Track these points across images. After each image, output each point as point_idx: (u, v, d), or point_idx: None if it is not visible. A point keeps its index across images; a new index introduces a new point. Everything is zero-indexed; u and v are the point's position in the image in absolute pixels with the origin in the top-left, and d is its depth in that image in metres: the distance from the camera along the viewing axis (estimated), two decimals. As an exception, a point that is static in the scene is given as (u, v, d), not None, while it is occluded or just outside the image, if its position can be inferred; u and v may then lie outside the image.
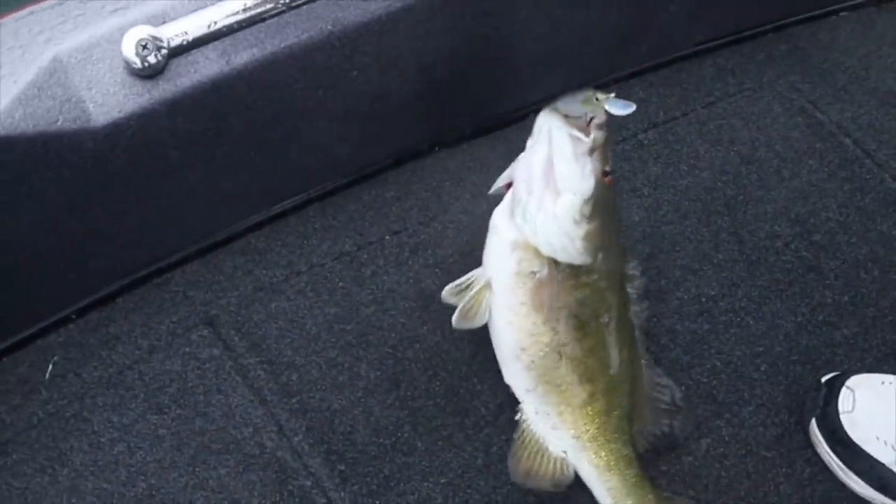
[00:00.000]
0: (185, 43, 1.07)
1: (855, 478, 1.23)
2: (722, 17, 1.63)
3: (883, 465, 1.21)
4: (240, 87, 1.16)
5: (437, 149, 1.45)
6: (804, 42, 1.71)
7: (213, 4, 1.07)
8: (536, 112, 1.07)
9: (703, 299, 1.39)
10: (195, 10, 1.08)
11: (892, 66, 1.69)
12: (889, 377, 1.26)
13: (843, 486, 1.25)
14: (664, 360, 1.33)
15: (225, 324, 1.33)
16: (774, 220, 1.47)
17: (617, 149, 1.50)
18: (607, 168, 1.06)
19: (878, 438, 1.21)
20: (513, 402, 1.28)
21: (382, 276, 1.37)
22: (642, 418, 1.18)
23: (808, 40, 1.72)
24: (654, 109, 1.55)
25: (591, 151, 1.03)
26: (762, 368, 1.34)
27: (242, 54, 1.14)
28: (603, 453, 1.16)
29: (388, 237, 1.40)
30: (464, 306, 1.14)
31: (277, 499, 1.22)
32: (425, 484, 1.24)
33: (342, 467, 1.24)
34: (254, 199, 1.36)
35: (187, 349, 1.32)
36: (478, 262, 1.37)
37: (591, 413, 1.14)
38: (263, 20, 1.10)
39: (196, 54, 1.10)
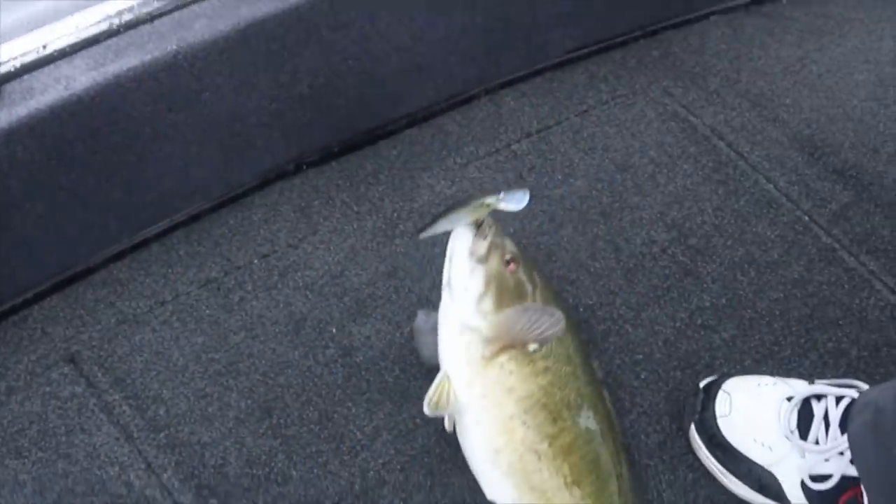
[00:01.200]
0: (15, 68, 1.02)
1: (735, 481, 1.22)
2: (592, 24, 1.63)
3: (761, 466, 1.20)
4: (81, 112, 1.11)
5: (304, 168, 1.42)
6: (675, 47, 1.72)
7: (44, 26, 1.02)
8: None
9: (581, 309, 1.37)
10: (26, 33, 1.03)
11: (762, 68, 1.70)
12: (764, 378, 1.26)
13: (724, 490, 1.24)
14: (543, 372, 1.31)
15: (87, 360, 1.27)
16: (651, 225, 1.47)
17: (490, 160, 1.48)
18: (507, 257, 1.11)
19: (755, 441, 1.21)
20: (389, 425, 1.25)
21: (251, 302, 1.33)
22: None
23: (680, 45, 1.72)
24: (526, 119, 1.53)
25: (483, 252, 1.10)
26: (642, 376, 1.33)
27: (81, 78, 1.09)
28: None
29: (256, 261, 1.36)
30: (430, 398, 1.10)
31: (146, 540, 1.17)
32: (301, 514, 1.20)
33: (214, 502, 1.19)
34: (112, 229, 1.30)
35: (47, 388, 1.26)
36: (349, 284, 1.34)
37: None
38: (98, 42, 1.05)
39: (30, 79, 1.05)
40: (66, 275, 1.31)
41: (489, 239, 1.10)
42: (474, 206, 1.11)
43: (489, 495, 1.14)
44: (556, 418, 1.07)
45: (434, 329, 1.14)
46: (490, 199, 1.10)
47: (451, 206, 1.14)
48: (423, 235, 1.16)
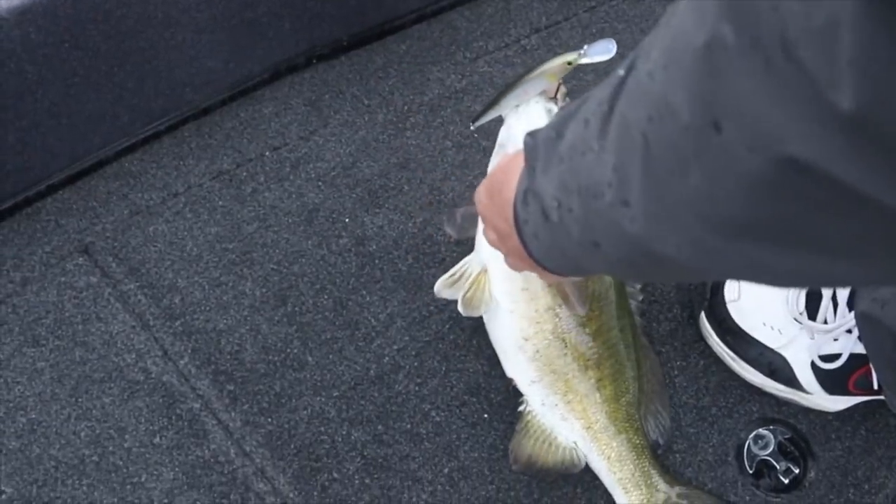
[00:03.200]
0: (28, -57, 1.01)
1: (746, 366, 1.24)
2: (600, -79, 1.61)
3: (772, 350, 1.22)
4: (94, -6, 1.10)
5: (314, 61, 1.41)
6: (684, -56, 1.70)
7: None
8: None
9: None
10: None
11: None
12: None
13: (735, 376, 1.26)
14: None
15: (101, 250, 1.28)
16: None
17: (499, 55, 1.47)
18: None
19: (764, 324, 1.22)
20: (403, 312, 1.26)
21: (264, 193, 1.33)
22: (653, 402, 1.16)
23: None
24: (535, 15, 1.52)
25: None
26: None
27: (93, -43, 1.08)
28: (614, 444, 1.12)
29: (267, 153, 1.36)
30: (465, 296, 1.10)
31: (165, 423, 1.19)
32: (318, 398, 1.21)
33: (231, 387, 1.21)
34: (124, 120, 1.30)
35: (62, 279, 1.26)
36: (360, 175, 1.35)
37: (599, 400, 1.11)
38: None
39: (43, -43, 1.04)
40: (79, 167, 1.31)
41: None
42: (550, 69, 1.03)
43: (509, 373, 1.16)
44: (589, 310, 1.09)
45: (472, 218, 1.14)
46: (571, 56, 1.02)
47: (513, 80, 1.06)
48: (479, 123, 1.12)
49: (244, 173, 1.34)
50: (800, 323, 1.20)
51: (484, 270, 1.11)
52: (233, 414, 1.19)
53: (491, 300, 1.11)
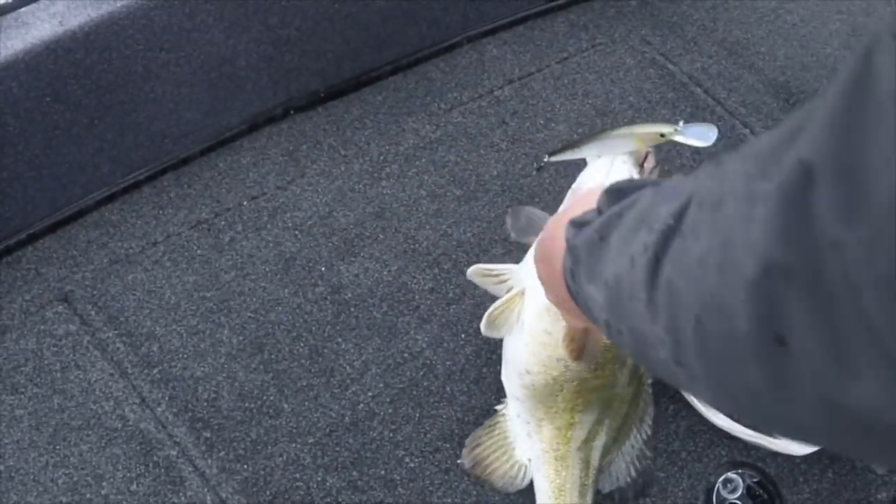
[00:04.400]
0: (9, 2, 1.04)
1: (714, 411, 1.26)
2: (573, -26, 1.66)
3: None
4: (76, 49, 1.13)
5: (291, 112, 1.44)
6: (654, -3, 1.75)
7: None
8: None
9: (564, 248, 1.41)
10: (21, -31, 1.05)
11: (738, 18, 1.74)
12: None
13: (704, 420, 1.28)
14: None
15: (81, 299, 1.30)
16: (630, 168, 1.50)
17: (473, 105, 1.50)
18: None
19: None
20: (378, 360, 1.28)
21: (241, 242, 1.35)
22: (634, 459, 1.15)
23: (658, -5, 1.76)
24: (508, 66, 1.56)
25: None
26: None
27: (76, 14, 1.11)
28: (564, 473, 1.12)
29: (245, 203, 1.38)
30: (493, 312, 1.07)
31: (143, 470, 1.20)
32: (293, 445, 1.23)
33: (208, 434, 1.23)
34: (104, 170, 1.32)
35: (42, 327, 1.28)
36: (337, 224, 1.37)
37: (568, 437, 1.11)
38: (94, -23, 1.08)
39: (26, 14, 1.07)
40: (59, 216, 1.33)
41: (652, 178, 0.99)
42: (641, 134, 0.99)
43: (502, 377, 1.15)
44: (599, 367, 1.07)
45: (534, 224, 1.10)
46: (666, 129, 0.98)
47: (602, 130, 1.03)
48: (555, 159, 1.08)
49: (222, 222, 1.36)
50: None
51: (521, 293, 1.06)
52: (209, 461, 1.21)
53: (516, 324, 1.08)
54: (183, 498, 1.19)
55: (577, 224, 0.71)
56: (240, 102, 1.38)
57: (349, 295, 1.32)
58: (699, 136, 0.97)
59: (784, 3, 1.77)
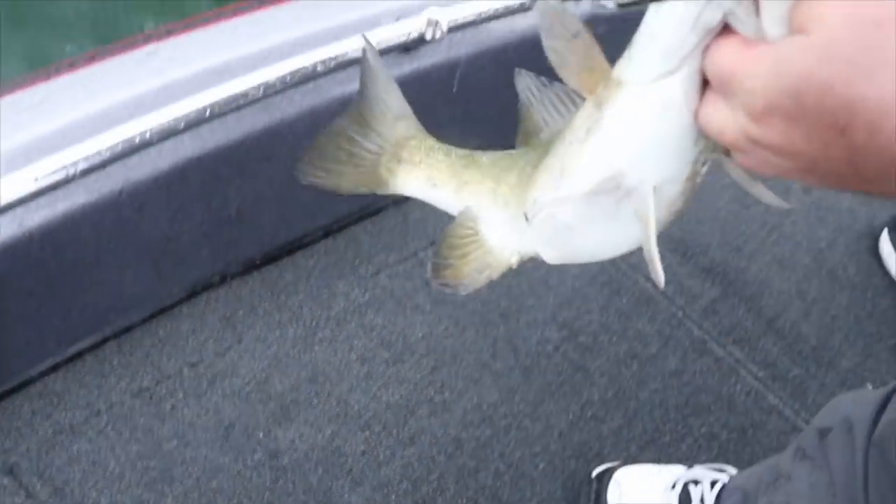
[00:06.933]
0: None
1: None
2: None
3: None
4: (32, 248, 1.20)
5: (228, 279, 1.52)
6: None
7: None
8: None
9: (485, 406, 1.51)
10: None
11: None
12: (651, 467, 1.42)
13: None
14: (451, 466, 1.44)
15: (26, 471, 1.34)
16: (544, 325, 1.62)
17: (399, 268, 1.61)
18: None
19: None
20: (315, 523, 1.36)
21: (182, 410, 1.42)
22: None
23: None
24: (431, 228, 1.67)
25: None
26: (540, 467, 1.47)
27: (34, 216, 1.18)
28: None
29: (185, 370, 1.45)
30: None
31: None
32: None
33: None
34: (48, 343, 1.38)
35: (-13, 499, 1.32)
36: (273, 390, 1.45)
37: None
38: (55, 189, 1.15)
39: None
40: (3, 388, 1.38)
41: None
42: None
43: None
44: None
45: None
46: None
47: None
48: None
49: (163, 390, 1.43)
50: None
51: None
52: None
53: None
54: None
55: None
56: (181, 273, 1.46)
57: (286, 460, 1.40)
58: None
59: None
